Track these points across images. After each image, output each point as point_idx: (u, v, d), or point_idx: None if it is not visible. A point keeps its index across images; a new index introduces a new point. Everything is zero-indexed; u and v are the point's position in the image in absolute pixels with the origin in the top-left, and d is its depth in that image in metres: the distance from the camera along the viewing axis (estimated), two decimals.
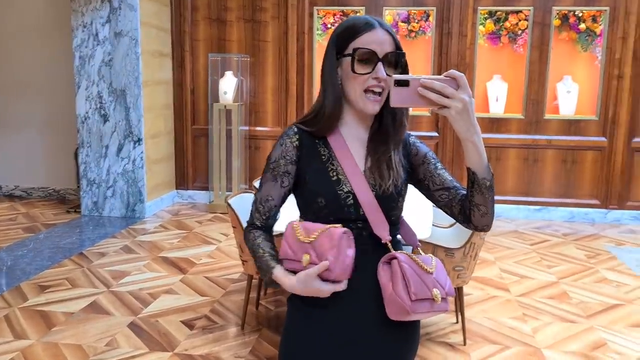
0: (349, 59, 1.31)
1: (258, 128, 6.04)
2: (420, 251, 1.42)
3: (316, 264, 1.26)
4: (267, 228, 1.44)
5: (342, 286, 1.28)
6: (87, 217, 5.54)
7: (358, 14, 5.73)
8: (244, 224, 2.96)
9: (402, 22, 5.72)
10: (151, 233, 5.06)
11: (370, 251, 1.34)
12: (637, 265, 4.35)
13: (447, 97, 1.16)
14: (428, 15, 5.66)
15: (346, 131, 1.39)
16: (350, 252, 1.27)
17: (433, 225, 3.02)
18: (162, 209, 5.91)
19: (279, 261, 1.35)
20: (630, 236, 5.21)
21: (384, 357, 1.37)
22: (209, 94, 5.93)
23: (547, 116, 5.58)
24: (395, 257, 1.29)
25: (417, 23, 5.70)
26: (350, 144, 1.38)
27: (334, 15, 5.82)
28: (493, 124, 5.66)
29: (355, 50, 1.30)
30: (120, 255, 4.42)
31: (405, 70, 1.34)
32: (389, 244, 1.34)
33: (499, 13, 5.58)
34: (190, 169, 6.23)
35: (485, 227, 1.33)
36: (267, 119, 6.03)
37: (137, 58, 5.25)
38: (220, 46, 5.96)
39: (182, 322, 3.27)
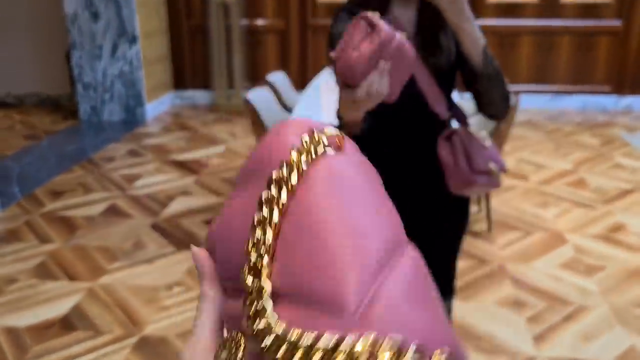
0: None
1: (258, 22, 5.73)
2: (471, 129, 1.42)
3: (383, 51, 1.05)
4: None
5: (396, 94, 1.15)
6: (87, 123, 5.38)
7: None
8: (264, 120, 2.85)
9: None
10: (155, 136, 4.94)
11: (429, 128, 1.36)
12: None
13: None
14: None
15: (398, 6, 1.34)
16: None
17: None
18: (162, 111, 5.74)
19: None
20: None
21: (437, 233, 1.45)
22: None
23: None
24: (455, 132, 1.33)
25: None
26: (403, 19, 1.34)
27: None
28: (507, 9, 5.38)
29: None
30: (128, 159, 4.33)
31: None
32: (448, 121, 1.38)
33: None
34: (188, 68, 5.98)
35: (494, 116, 1.33)
36: (267, 11, 5.70)
37: None
38: None
39: (204, 222, 3.25)
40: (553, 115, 5.40)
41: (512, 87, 5.41)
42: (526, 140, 4.67)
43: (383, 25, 1.03)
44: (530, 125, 5.08)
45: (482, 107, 1.32)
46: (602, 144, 4.56)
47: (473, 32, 1.21)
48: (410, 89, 1.27)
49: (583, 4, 5.32)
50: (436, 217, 1.44)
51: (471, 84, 1.29)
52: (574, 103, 5.57)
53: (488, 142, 1.35)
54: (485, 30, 1.31)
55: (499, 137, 2.86)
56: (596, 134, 4.81)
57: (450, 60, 1.33)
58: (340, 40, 1.09)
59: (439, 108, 1.34)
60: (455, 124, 1.44)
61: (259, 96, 3.05)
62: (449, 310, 1.57)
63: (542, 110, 5.53)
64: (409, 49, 1.07)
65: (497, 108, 1.30)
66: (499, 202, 3.46)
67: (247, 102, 2.90)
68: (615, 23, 5.32)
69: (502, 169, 1.34)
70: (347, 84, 1.07)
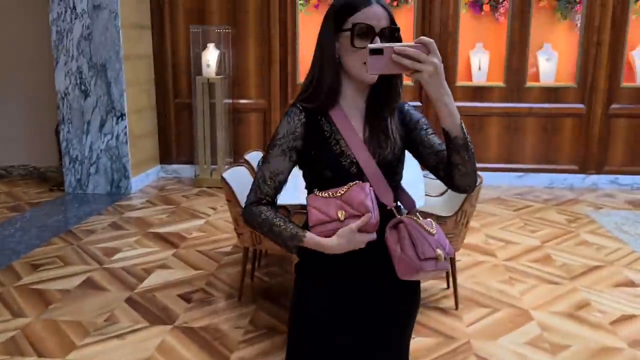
0: (348, 33, 1.35)
1: (241, 101, 6.01)
2: (419, 216, 1.47)
3: (354, 216, 1.32)
4: (274, 204, 1.47)
5: (374, 236, 1.35)
6: (71, 195, 5.49)
7: None
8: (240, 198, 2.99)
9: None
10: (138, 209, 5.05)
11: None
12: (616, 228, 4.51)
13: (420, 62, 1.22)
14: None
15: (345, 104, 1.43)
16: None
17: (425, 194, 3.09)
18: (147, 184, 5.88)
19: (305, 230, 1.39)
20: (608, 200, 5.38)
21: (389, 315, 1.47)
22: (191, 67, 5.85)
23: (528, 84, 5.67)
24: (401, 221, 1.37)
25: None
26: (350, 116, 1.42)
27: None
28: (476, 93, 5.73)
29: (354, 25, 1.34)
30: (110, 232, 4.42)
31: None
32: (394, 210, 1.42)
33: None
34: (174, 143, 6.19)
35: (468, 188, 1.40)
36: (250, 91, 5.99)
37: (117, 32, 5.14)
38: (201, 17, 5.86)
39: (179, 295, 3.31)
40: (522, 192, 5.62)
41: (482, 165, 5.66)
42: (495, 217, 4.84)
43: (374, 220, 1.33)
44: (500, 202, 5.28)
45: (458, 179, 1.37)
46: (568, 221, 4.74)
47: (452, 106, 1.28)
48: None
49: (547, 89, 5.68)
50: (389, 303, 1.47)
51: (450, 156, 1.34)
52: (542, 181, 5.81)
53: (434, 229, 1.39)
54: None
55: (464, 217, 3.01)
56: (563, 211, 5.00)
57: (395, 152, 1.42)
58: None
59: (386, 199, 1.40)
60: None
61: (235, 174, 3.21)
62: None
63: (511, 187, 5.76)
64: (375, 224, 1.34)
65: (470, 179, 1.37)
66: (466, 278, 3.56)
67: (223, 180, 3.05)
68: (579, 106, 5.66)
69: (450, 254, 1.39)
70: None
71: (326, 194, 1.36)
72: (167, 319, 3.02)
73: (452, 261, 3.15)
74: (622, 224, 4.61)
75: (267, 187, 1.44)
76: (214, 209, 5.06)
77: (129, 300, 3.23)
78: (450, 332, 2.91)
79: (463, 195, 2.92)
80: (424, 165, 1.48)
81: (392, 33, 1.37)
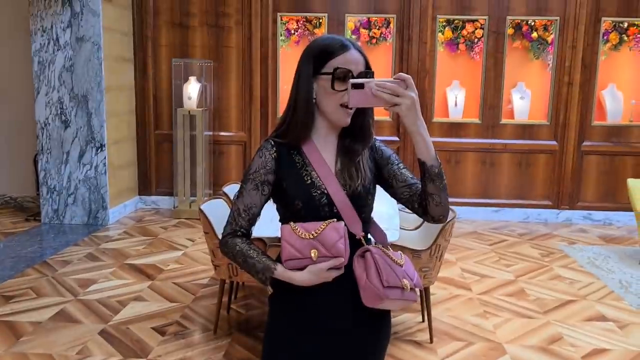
0: (327, 77, 1.43)
1: (222, 133, 6.07)
2: (389, 248, 1.53)
3: (326, 257, 1.40)
4: (249, 235, 1.54)
5: (341, 271, 1.44)
6: (48, 225, 5.43)
7: (321, 22, 5.83)
8: (217, 230, 3.01)
9: (364, 28, 5.86)
10: (115, 240, 5.02)
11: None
12: (588, 263, 4.60)
13: (398, 95, 1.33)
14: (389, 22, 5.83)
15: (318, 138, 1.51)
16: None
17: (400, 228, 3.14)
18: (125, 215, 5.85)
19: (276, 262, 1.47)
20: (581, 235, 5.49)
21: (358, 345, 1.51)
22: (172, 99, 5.92)
23: (503, 121, 5.83)
24: (368, 250, 1.45)
25: (378, 29, 5.85)
26: (322, 150, 1.51)
27: (297, 21, 5.91)
28: (452, 129, 5.87)
29: (335, 69, 1.42)
30: (85, 263, 4.37)
31: None
32: (362, 239, 1.49)
33: (456, 21, 5.79)
34: (153, 174, 6.19)
35: (441, 218, 1.47)
36: (230, 124, 6.06)
37: (99, 63, 5.20)
38: (183, 51, 5.95)
39: (153, 328, 3.28)
40: (497, 226, 5.71)
41: (458, 200, 5.76)
42: (471, 250, 4.90)
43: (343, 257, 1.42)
44: (476, 236, 5.36)
45: (432, 208, 1.44)
46: (542, 255, 4.82)
47: (427, 137, 1.37)
48: (331, 214, 1.46)
49: (521, 126, 5.84)
50: (359, 333, 1.51)
51: (425, 185, 1.42)
52: (517, 215, 5.92)
53: (403, 261, 1.47)
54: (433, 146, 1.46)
55: (438, 250, 3.06)
56: (537, 246, 5.09)
57: (365, 184, 1.49)
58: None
59: (355, 229, 1.48)
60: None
61: (213, 206, 3.24)
62: None
63: (487, 222, 5.85)
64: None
65: (443, 209, 1.44)
66: (442, 311, 3.59)
67: (201, 212, 3.07)
68: (552, 143, 5.82)
69: (418, 286, 1.44)
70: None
71: (300, 231, 1.42)
72: (140, 352, 2.99)
73: (427, 294, 3.19)
74: (594, 259, 4.71)
75: (241, 219, 1.51)
76: (192, 240, 5.05)
77: (103, 333, 3.19)
78: None
79: (438, 229, 2.98)
80: (397, 198, 1.55)
81: (367, 76, 1.44)
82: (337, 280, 1.44)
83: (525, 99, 5.84)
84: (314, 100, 1.46)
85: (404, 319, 3.45)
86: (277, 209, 1.55)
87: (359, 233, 1.48)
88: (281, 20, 5.88)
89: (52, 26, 5.19)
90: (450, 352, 3.08)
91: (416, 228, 3.39)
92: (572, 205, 5.89)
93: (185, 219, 5.75)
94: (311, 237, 1.40)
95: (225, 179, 5.88)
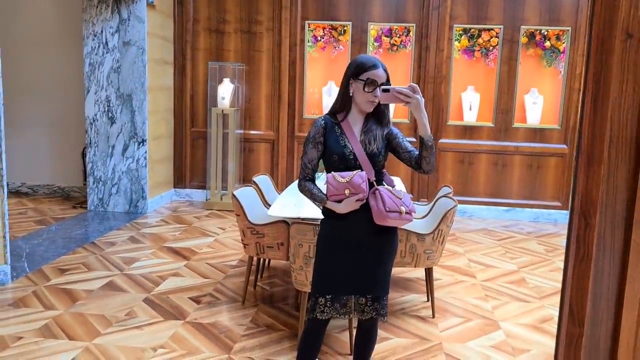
0: (361, 82, 2.27)
1: (252, 132, 6.55)
2: (395, 187, 2.36)
3: (354, 194, 2.22)
4: (313, 179, 2.39)
5: (364, 201, 2.25)
6: (93, 212, 5.99)
7: (345, 30, 6.26)
8: (248, 213, 3.47)
9: (385, 36, 6.28)
10: (154, 226, 5.53)
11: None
12: None
13: (409, 97, 2.17)
14: (408, 31, 6.23)
15: (352, 118, 2.36)
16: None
17: None
18: (161, 205, 6.38)
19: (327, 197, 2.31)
20: None
21: (374, 249, 2.32)
22: (207, 99, 6.43)
23: (515, 124, 6.17)
24: (377, 189, 2.26)
25: (398, 37, 6.26)
26: (353, 125, 2.35)
27: (324, 28, 6.36)
28: (466, 131, 6.23)
29: (367, 78, 2.26)
30: (128, 245, 4.89)
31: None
32: (375, 183, 2.30)
33: (472, 30, 6.17)
34: (188, 168, 6.71)
35: (429, 171, 2.30)
36: (260, 123, 6.54)
37: (143, 66, 5.74)
38: (219, 55, 6.47)
39: (190, 298, 3.75)
40: (508, 225, 6.05)
41: (471, 199, 6.11)
42: (479, 244, 5.27)
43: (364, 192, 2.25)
44: (486, 232, 5.71)
45: (424, 165, 2.27)
46: (547, 250, 5.16)
47: (426, 122, 2.20)
48: (355, 165, 2.29)
49: (532, 129, 6.17)
50: (377, 239, 2.32)
51: (420, 152, 2.25)
52: (527, 215, 6.24)
53: (402, 196, 2.27)
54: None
55: (440, 235, 3.46)
56: (543, 242, 5.42)
57: (379, 148, 2.32)
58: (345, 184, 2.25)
59: (370, 175, 2.29)
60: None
61: (244, 193, 3.70)
62: (383, 307, 2.35)
63: (498, 220, 6.20)
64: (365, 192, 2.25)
65: (432, 165, 2.27)
66: (446, 293, 3.98)
67: (234, 197, 3.53)
68: (562, 147, 6.14)
69: (412, 210, 2.26)
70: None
71: (338, 178, 2.23)
72: (179, 316, 3.46)
73: (431, 275, 3.59)
74: None
75: (307, 169, 2.37)
76: (222, 229, 5.53)
77: (146, 300, 3.68)
78: (424, 335, 3.32)
79: (440, 217, 3.38)
80: (401, 159, 2.37)
81: (387, 84, 2.30)
82: (360, 208, 2.25)
83: (537, 104, 6.17)
84: (350, 94, 2.31)
85: (411, 298, 3.86)
86: (323, 161, 2.38)
87: (372, 178, 2.29)
88: (309, 27, 6.34)
89: (102, 31, 5.75)
90: (450, 325, 3.47)
91: (423, 217, 3.79)
92: None
93: (217, 210, 6.24)
94: (345, 181, 2.21)
95: (254, 174, 6.35)
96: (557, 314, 3.66)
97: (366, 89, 2.25)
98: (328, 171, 2.34)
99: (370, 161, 2.30)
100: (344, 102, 2.34)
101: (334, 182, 2.23)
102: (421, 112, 2.18)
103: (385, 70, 2.28)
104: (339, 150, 2.30)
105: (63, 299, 3.66)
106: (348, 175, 2.23)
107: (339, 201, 2.25)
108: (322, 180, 2.62)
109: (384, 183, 2.37)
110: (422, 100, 2.17)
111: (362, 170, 2.28)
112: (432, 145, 2.24)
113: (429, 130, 2.23)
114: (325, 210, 2.37)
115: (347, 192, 2.23)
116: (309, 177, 2.37)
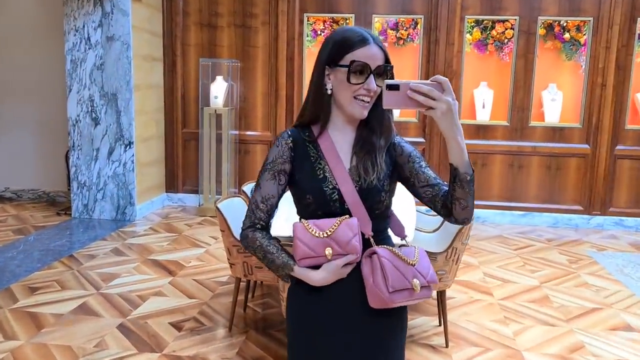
0: (344, 69, 1.39)
1: (248, 132, 6.11)
2: (407, 241, 1.52)
3: (340, 255, 1.41)
4: (268, 228, 1.52)
5: (354, 264, 1.44)
6: (77, 220, 5.58)
7: (348, 23, 5.82)
8: (233, 229, 3.03)
9: (391, 29, 5.82)
10: (141, 236, 5.11)
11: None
12: (617, 270, 4.45)
13: (433, 99, 1.27)
14: (416, 23, 5.77)
15: (334, 131, 1.48)
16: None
17: (416, 229, 3.10)
18: (152, 211, 5.96)
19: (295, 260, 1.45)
20: (612, 241, 5.32)
21: (374, 334, 1.48)
22: (199, 98, 5.99)
23: (532, 123, 5.70)
24: (375, 252, 1.40)
25: (405, 31, 5.80)
26: (338, 144, 1.48)
27: (324, 22, 5.91)
28: (479, 131, 5.77)
29: (351, 62, 1.38)
30: (110, 258, 4.47)
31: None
32: (371, 239, 1.44)
33: (485, 22, 5.69)
34: (180, 172, 6.28)
35: (465, 220, 1.42)
36: (256, 123, 6.10)
37: (129, 62, 5.31)
38: (211, 51, 6.02)
39: (171, 323, 3.32)
40: (524, 231, 5.58)
41: (484, 203, 5.66)
42: (495, 255, 4.81)
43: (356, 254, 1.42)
44: (501, 240, 5.25)
45: (458, 212, 1.39)
46: (570, 261, 4.69)
47: (462, 144, 1.31)
48: (342, 211, 1.44)
49: (551, 128, 5.70)
50: (376, 313, 1.45)
51: (453, 190, 1.36)
52: (545, 220, 5.77)
53: (415, 259, 1.43)
54: None
55: (455, 254, 3.01)
56: (565, 252, 4.95)
57: (380, 178, 1.44)
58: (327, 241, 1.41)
59: (364, 227, 1.43)
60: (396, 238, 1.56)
61: (230, 205, 3.26)
62: None
63: (514, 226, 5.73)
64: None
65: (469, 212, 1.38)
66: (460, 315, 3.53)
67: (218, 211, 3.09)
68: (584, 147, 5.66)
69: (432, 282, 1.43)
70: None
71: (314, 229, 1.41)
72: (156, 347, 3.03)
73: (443, 299, 3.14)
74: (623, 266, 4.55)
75: (259, 211, 1.49)
76: (214, 238, 5.10)
77: (121, 327, 3.25)
78: None
79: (454, 232, 2.92)
80: (419, 198, 1.49)
81: (386, 71, 1.41)
82: (349, 277, 1.44)
83: (556, 101, 5.69)
84: (327, 90, 1.43)
85: (420, 322, 3.41)
86: (294, 201, 1.53)
87: (367, 232, 1.44)
88: (308, 20, 5.89)
89: (84, 26, 5.32)
90: (466, 357, 3.02)
91: (434, 231, 3.34)
92: (603, 211, 5.71)
93: (210, 216, 5.81)
94: (325, 235, 1.39)
95: (250, 178, 5.92)
96: (588, 341, 3.21)
97: (352, 81, 1.39)
98: (298, 218, 1.51)
99: (366, 203, 1.44)
100: (318, 106, 1.46)
101: (306, 236, 1.41)
102: (454, 125, 1.28)
103: (383, 49, 1.42)
104: (315, 185, 1.44)
105: (27, 325, 3.24)
106: (329, 224, 1.41)
107: (316, 267, 1.44)
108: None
109: (389, 235, 1.55)
110: (456, 105, 1.29)
111: (351, 216, 1.44)
112: (471, 181, 1.34)
113: (467, 155, 1.32)
114: (293, 277, 1.51)
115: (328, 252, 1.40)
116: (261, 224, 1.50)
